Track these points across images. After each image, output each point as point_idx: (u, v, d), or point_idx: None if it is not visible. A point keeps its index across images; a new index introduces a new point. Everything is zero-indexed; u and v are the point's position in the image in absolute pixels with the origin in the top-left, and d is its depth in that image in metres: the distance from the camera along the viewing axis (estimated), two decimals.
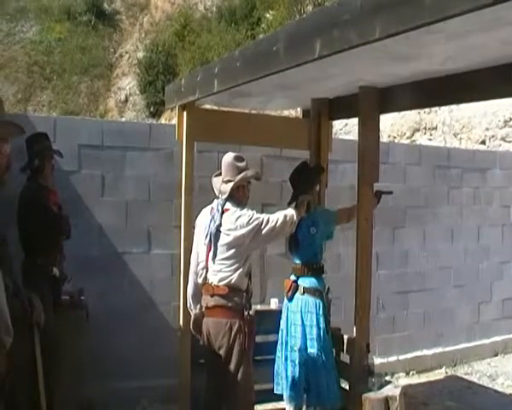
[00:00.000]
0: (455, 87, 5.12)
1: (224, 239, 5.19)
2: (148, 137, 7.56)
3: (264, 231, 5.18)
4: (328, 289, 6.36)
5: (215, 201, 5.42)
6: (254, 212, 5.25)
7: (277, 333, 6.49)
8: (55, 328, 5.78)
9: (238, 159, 5.41)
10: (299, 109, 8.58)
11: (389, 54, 4.24)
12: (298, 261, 6.33)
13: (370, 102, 5.89)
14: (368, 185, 6.01)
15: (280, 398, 6.53)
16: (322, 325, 6.12)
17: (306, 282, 6.23)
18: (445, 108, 14.10)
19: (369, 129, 5.99)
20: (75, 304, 6.58)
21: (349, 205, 6.55)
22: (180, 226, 6.48)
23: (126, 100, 25.33)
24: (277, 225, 5.23)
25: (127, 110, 24.84)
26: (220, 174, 5.45)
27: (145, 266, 7.48)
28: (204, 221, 5.42)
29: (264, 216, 5.24)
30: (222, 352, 5.20)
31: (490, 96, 5.45)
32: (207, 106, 7.03)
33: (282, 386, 6.35)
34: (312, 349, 6.10)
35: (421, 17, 2.99)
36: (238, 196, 5.35)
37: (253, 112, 7.40)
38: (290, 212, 5.40)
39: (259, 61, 4.62)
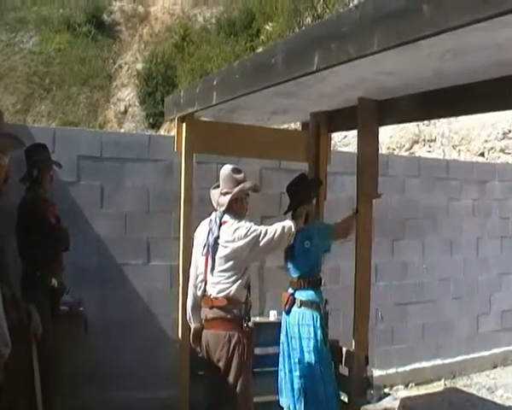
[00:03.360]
0: (454, 99, 5.14)
1: (222, 251, 5.19)
2: (147, 148, 7.55)
3: (262, 243, 5.17)
4: (326, 301, 6.35)
5: (213, 213, 5.41)
6: (252, 224, 5.25)
7: (277, 345, 6.49)
8: (53, 339, 5.79)
9: (236, 171, 5.41)
10: (298, 123, 8.59)
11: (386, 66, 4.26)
12: (294, 275, 6.32)
13: (369, 115, 5.90)
14: (366, 198, 6.01)
15: None
16: (319, 337, 6.10)
17: (303, 295, 6.21)
18: (443, 120, 14.11)
19: (368, 141, 6.00)
20: (74, 315, 6.59)
21: (347, 215, 6.49)
22: (179, 238, 6.48)
23: (125, 111, 25.35)
24: (275, 236, 5.23)
25: (126, 121, 24.86)
26: (218, 186, 5.45)
27: (144, 278, 7.46)
28: (202, 233, 5.42)
29: (262, 228, 5.23)
30: (221, 364, 5.19)
31: (489, 108, 5.47)
32: (205, 119, 7.02)
33: (285, 398, 6.34)
34: (310, 362, 6.09)
35: (420, 30, 3.00)
36: (236, 208, 5.34)
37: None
38: (288, 223, 5.40)
39: (258, 73, 4.63)
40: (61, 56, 27.21)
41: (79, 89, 26.12)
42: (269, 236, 5.19)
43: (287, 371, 6.32)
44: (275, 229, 5.26)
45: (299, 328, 6.15)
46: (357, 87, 5.33)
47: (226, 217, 5.29)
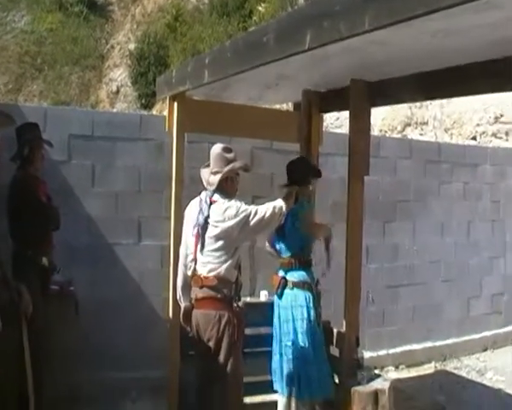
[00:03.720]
0: (446, 81, 5.12)
1: (212, 231, 5.16)
2: (138, 127, 7.55)
3: (252, 223, 5.14)
4: (317, 281, 6.34)
5: (203, 192, 5.39)
6: (242, 203, 5.22)
7: (268, 326, 6.47)
8: (43, 318, 5.77)
9: (226, 150, 5.38)
10: (290, 104, 8.56)
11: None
12: (285, 255, 6.29)
13: (361, 95, 5.88)
14: (358, 178, 6.01)
15: (268, 390, 6.54)
16: (312, 317, 6.08)
17: (295, 276, 6.18)
18: (436, 104, 14.12)
19: (360, 122, 5.98)
20: (64, 294, 6.57)
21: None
22: (170, 217, 6.46)
23: (118, 91, 25.19)
24: (266, 216, 5.20)
25: (118, 101, 24.73)
26: (209, 165, 5.42)
27: (135, 257, 7.48)
28: (192, 213, 5.39)
29: (253, 208, 5.20)
30: (211, 344, 5.18)
31: (480, 90, 5.42)
32: (196, 98, 6.98)
33: (278, 382, 6.33)
34: (303, 343, 6.06)
35: (413, 9, 2.98)
36: (226, 188, 5.32)
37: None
38: (279, 203, 5.36)
39: (250, 51, 4.60)
40: (53, 36, 26.99)
41: (71, 69, 25.94)
42: (259, 216, 5.16)
43: (278, 355, 6.32)
44: (265, 208, 5.23)
45: (292, 310, 6.12)
46: (349, 66, 5.31)
47: (216, 196, 5.26)
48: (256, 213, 5.15)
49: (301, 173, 6.28)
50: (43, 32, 27.01)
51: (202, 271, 5.22)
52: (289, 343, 6.13)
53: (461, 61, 4.77)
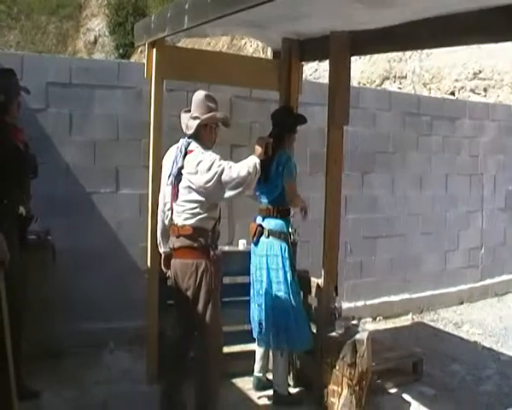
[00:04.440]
0: (426, 32, 5.10)
1: (185, 182, 5.11)
2: (116, 75, 7.47)
3: (224, 180, 4.96)
4: (295, 230, 6.32)
5: (181, 140, 5.30)
6: (217, 158, 5.07)
7: (246, 275, 6.48)
8: (20, 268, 5.71)
9: (209, 98, 5.31)
10: (269, 52, 8.49)
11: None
12: (265, 200, 6.27)
13: (341, 44, 5.85)
14: (337, 128, 5.99)
15: (246, 340, 6.57)
16: (287, 267, 6.10)
17: (272, 224, 6.18)
18: (415, 57, 14.13)
19: (340, 71, 5.96)
20: (42, 244, 6.53)
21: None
22: (148, 166, 6.41)
23: (95, 41, 24.98)
24: (240, 175, 5.00)
25: (96, 51, 24.52)
26: (189, 111, 5.34)
27: (113, 207, 7.44)
28: (169, 161, 5.33)
29: (226, 164, 5.04)
30: (189, 293, 5.17)
31: (461, 42, 5.44)
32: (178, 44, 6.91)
33: (256, 330, 6.35)
34: (279, 293, 6.09)
35: None
36: (204, 136, 5.24)
37: (224, 50, 7.30)
38: (252, 161, 5.16)
39: None
40: None
41: (48, 18, 25.62)
42: (232, 174, 4.97)
43: (255, 303, 6.33)
44: (239, 168, 5.04)
45: (267, 259, 6.15)
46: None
47: (193, 145, 5.18)
48: (229, 171, 4.98)
49: (288, 120, 6.26)
50: None
51: (178, 220, 5.19)
52: (262, 291, 6.18)
53: (450, 10, 4.73)
